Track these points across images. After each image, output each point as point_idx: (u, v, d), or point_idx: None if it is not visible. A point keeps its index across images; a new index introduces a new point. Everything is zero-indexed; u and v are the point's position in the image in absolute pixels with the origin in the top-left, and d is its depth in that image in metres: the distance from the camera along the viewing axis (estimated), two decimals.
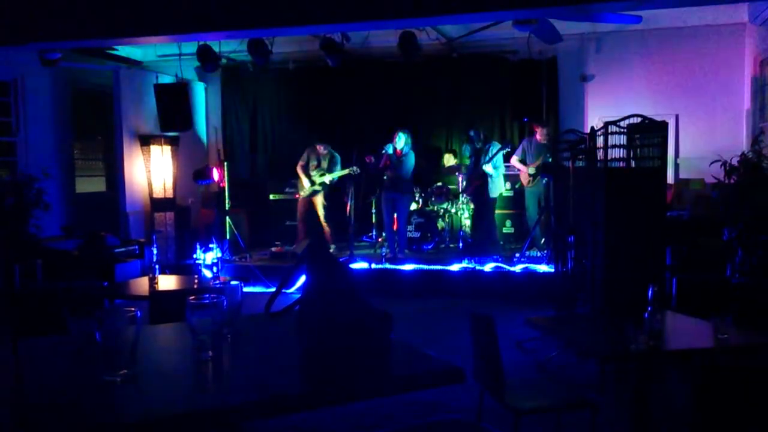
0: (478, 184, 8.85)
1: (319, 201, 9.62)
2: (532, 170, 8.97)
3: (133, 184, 9.96)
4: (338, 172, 9.40)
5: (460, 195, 9.49)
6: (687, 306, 5.35)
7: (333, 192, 9.87)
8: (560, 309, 5.91)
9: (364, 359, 2.08)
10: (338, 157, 9.53)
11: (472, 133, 8.96)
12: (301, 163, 9.62)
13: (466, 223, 9.53)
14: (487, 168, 8.71)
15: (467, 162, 9.30)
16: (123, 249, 8.74)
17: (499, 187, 9.06)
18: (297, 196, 9.81)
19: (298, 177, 9.69)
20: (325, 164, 9.48)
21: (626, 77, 9.69)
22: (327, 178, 9.46)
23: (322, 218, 9.63)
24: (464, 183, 9.29)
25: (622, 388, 4.70)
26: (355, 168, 9.11)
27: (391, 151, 8.74)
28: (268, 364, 2.14)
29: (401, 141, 8.76)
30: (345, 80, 10.43)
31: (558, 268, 6.08)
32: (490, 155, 8.69)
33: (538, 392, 3.54)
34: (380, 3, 6.01)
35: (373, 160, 8.84)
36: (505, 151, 8.87)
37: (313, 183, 9.52)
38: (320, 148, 9.50)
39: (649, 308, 3.13)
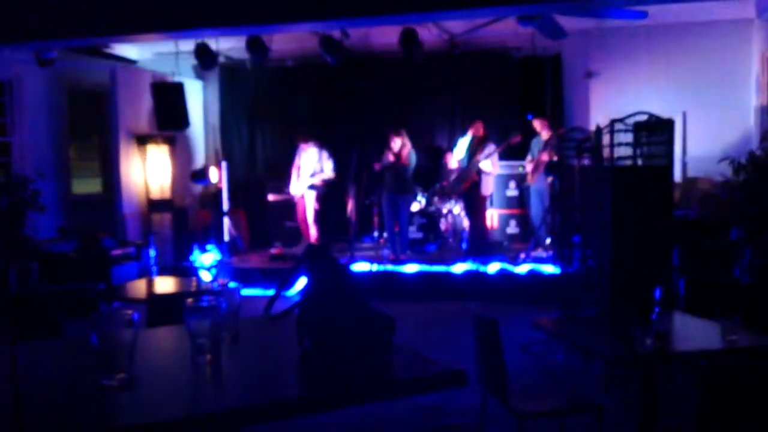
0: (473, 182, 8.81)
1: (310, 202, 9.44)
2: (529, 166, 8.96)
3: (130, 185, 9.86)
4: (319, 176, 9.24)
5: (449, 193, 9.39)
6: (695, 307, 5.27)
7: (334, 193, 9.77)
8: (566, 310, 5.85)
9: (366, 362, 2.07)
10: (327, 156, 9.34)
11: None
12: (296, 162, 9.52)
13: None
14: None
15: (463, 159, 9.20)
16: (120, 251, 8.67)
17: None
18: (293, 197, 9.63)
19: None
20: (312, 163, 9.34)
21: (632, 74, 9.61)
22: (312, 180, 9.30)
23: (310, 220, 9.48)
24: (456, 182, 9.17)
25: (628, 390, 4.64)
26: (331, 175, 9.15)
27: (392, 156, 8.69)
28: (267, 368, 2.16)
29: (398, 144, 8.70)
30: (345, 78, 10.34)
31: (563, 268, 6.02)
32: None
33: (543, 395, 3.56)
34: None
35: (381, 165, 8.79)
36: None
37: (300, 183, 9.41)
38: (306, 147, 9.35)
39: (657, 309, 3.16)
